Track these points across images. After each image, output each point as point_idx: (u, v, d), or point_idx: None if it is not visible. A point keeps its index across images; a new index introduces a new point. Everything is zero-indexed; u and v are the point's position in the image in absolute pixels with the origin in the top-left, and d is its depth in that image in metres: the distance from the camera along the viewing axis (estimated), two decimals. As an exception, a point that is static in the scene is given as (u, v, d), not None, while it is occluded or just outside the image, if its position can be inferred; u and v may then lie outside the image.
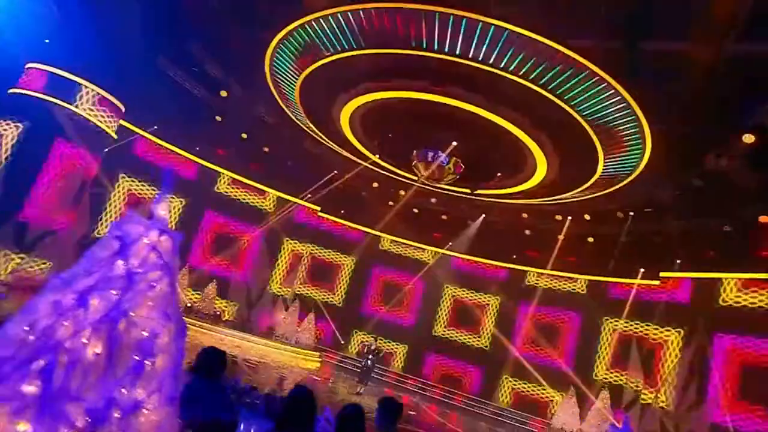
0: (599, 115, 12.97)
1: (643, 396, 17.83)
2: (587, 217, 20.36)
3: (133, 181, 21.35)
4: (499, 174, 17.30)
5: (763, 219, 13.83)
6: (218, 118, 21.05)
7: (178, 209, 22.32)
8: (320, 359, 21.80)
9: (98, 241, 2.66)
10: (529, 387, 22.41)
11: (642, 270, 20.40)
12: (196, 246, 22.90)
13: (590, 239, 22.25)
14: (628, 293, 20.64)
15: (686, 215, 16.45)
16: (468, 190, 18.49)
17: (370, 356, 14.69)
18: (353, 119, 17.61)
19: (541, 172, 16.36)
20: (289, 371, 18.10)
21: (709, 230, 16.33)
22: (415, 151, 16.91)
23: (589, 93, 12.43)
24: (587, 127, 13.47)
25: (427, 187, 20.36)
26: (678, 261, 18.64)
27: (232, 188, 23.99)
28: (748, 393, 15.21)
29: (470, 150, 16.65)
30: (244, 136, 22.02)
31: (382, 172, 21.55)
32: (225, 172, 23.64)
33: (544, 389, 21.76)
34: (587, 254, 22.50)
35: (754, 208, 14.30)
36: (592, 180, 15.98)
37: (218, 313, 22.18)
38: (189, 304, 21.36)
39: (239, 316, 22.88)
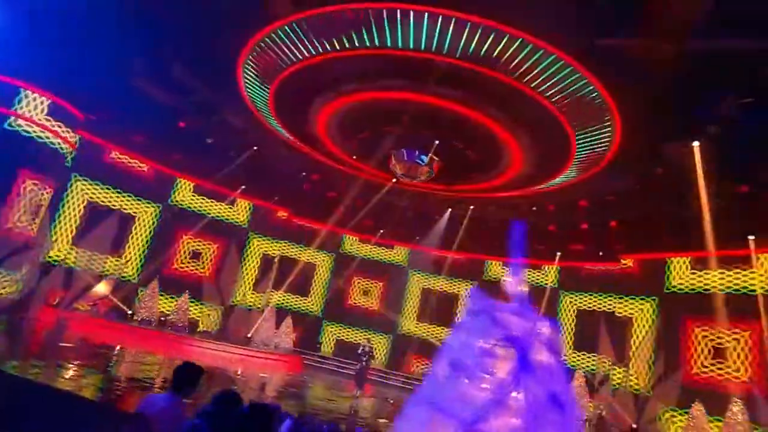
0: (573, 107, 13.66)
1: (615, 372, 19.19)
2: (551, 207, 21.49)
3: (91, 184, 20.32)
4: (474, 173, 17.94)
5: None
6: (181, 124, 20.52)
7: (154, 217, 21.54)
8: (301, 363, 21.79)
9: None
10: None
11: (601, 253, 21.97)
12: (169, 255, 22.14)
13: (551, 228, 23.60)
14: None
15: (646, 201, 17.78)
16: (444, 187, 18.98)
17: (365, 358, 14.88)
18: (328, 122, 17.65)
19: (516, 166, 17.09)
20: (269, 377, 17.99)
21: (667, 214, 17.76)
22: (393, 151, 17.18)
23: (563, 83, 12.97)
24: (561, 118, 14.10)
25: (400, 185, 20.80)
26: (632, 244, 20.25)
27: (197, 196, 23.33)
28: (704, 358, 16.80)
29: (446, 147, 17.05)
30: (209, 140, 21.52)
31: (355, 173, 21.66)
32: (188, 179, 22.92)
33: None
34: (552, 242, 23.81)
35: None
36: (564, 171, 16.87)
37: (193, 323, 21.58)
38: (162, 318, 20.64)
39: (215, 325, 22.31)
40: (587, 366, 20.25)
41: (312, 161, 21.71)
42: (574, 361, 20.79)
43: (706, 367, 16.83)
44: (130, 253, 21.37)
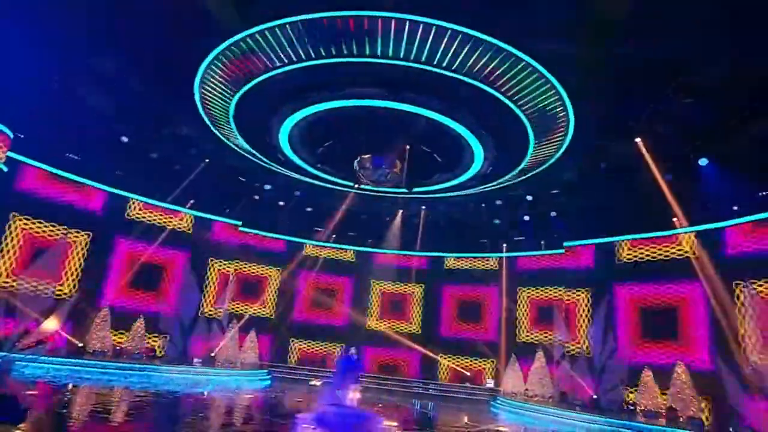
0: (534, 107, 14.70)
1: (568, 349, 20.98)
2: (498, 202, 22.86)
3: (27, 220, 18.48)
4: (437, 174, 18.71)
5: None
6: (124, 139, 19.32)
7: (84, 245, 19.88)
8: (269, 376, 21.46)
9: None
10: (462, 361, 24.59)
11: (543, 242, 23.87)
12: (110, 282, 20.62)
13: (497, 221, 25.15)
14: (536, 264, 23.88)
15: (588, 193, 19.59)
16: (406, 190, 19.52)
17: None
18: (290, 133, 17.53)
19: (477, 164, 17.98)
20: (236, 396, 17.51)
21: (606, 203, 19.71)
22: (358, 158, 17.43)
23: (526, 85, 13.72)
24: (523, 117, 15.07)
25: (360, 191, 21.12)
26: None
27: (144, 213, 22.00)
28: (650, 332, 18.95)
29: (410, 151, 17.54)
30: (154, 155, 20.43)
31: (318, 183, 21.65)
32: (135, 196, 21.60)
33: (478, 360, 24.18)
34: (496, 234, 25.38)
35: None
36: (521, 167, 18.05)
37: (151, 349, 20.43)
38: (118, 348, 19.35)
39: (175, 348, 21.24)
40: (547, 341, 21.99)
41: (270, 172, 21.38)
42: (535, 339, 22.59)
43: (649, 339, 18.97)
44: (67, 279, 19.61)
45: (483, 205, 23.30)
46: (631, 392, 18.27)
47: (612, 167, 17.52)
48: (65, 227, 19.43)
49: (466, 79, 13.55)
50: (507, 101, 14.31)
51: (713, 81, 12.67)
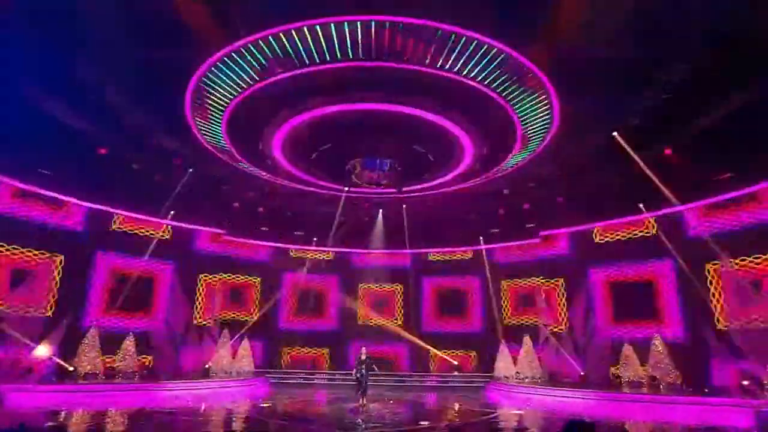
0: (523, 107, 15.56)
1: (551, 330, 22.42)
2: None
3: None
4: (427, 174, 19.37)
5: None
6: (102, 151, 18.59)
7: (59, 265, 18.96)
8: (267, 382, 21.41)
9: None
10: (449, 351, 25.54)
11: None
12: (94, 302, 19.81)
13: (473, 216, 26.22)
14: (512, 256, 25.17)
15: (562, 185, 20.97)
16: (395, 189, 20.04)
17: (363, 367, 15.30)
18: (284, 140, 17.60)
19: (466, 161, 18.70)
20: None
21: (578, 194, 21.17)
22: (353, 161, 17.76)
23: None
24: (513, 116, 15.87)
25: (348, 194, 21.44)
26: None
27: (127, 226, 21.25)
28: (624, 311, 20.64)
29: (401, 151, 18.03)
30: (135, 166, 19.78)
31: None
32: (117, 211, 20.85)
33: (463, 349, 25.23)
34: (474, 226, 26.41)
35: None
36: (507, 163, 19.00)
37: (144, 368, 19.83)
38: (111, 367, 18.68)
39: (167, 364, 20.69)
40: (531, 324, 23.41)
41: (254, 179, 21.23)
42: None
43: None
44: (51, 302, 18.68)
45: (462, 199, 24.24)
46: (615, 366, 19.86)
47: (586, 159, 18.89)
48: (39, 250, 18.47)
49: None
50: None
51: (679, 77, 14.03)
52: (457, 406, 16.53)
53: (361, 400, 15.27)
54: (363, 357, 15.62)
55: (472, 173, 20.16)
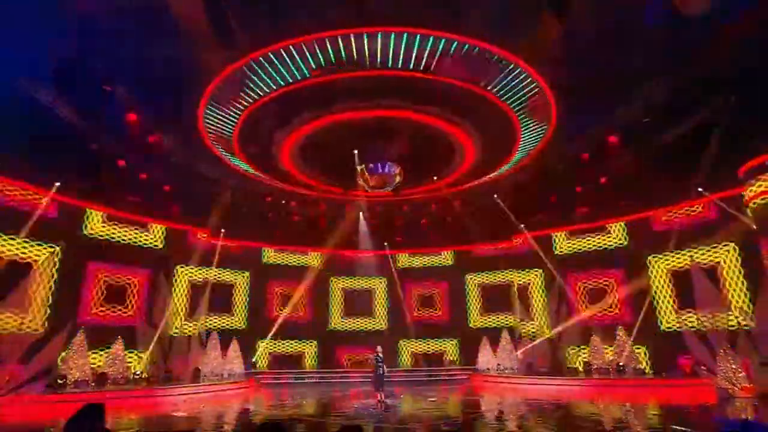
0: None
1: (526, 325, 24.41)
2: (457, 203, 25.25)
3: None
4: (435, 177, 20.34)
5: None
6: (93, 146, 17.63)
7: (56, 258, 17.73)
8: (259, 383, 21.29)
9: None
10: (425, 346, 26.77)
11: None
12: (85, 300, 18.69)
13: (448, 219, 27.61)
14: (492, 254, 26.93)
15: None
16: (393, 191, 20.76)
17: (380, 363, 15.78)
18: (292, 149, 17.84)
19: (467, 162, 19.63)
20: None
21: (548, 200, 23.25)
22: (361, 166, 18.31)
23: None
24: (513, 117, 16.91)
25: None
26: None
27: (110, 225, 20.10)
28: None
29: (406, 153, 18.74)
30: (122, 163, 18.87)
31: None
32: (98, 208, 19.66)
33: (438, 343, 26.58)
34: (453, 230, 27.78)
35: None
36: (504, 166, 20.40)
37: (137, 373, 18.96)
38: (103, 371, 17.72)
39: (157, 368, 19.85)
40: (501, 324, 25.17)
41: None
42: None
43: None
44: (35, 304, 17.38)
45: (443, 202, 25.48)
46: (585, 355, 22.10)
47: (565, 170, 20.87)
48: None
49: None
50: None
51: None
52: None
53: (380, 396, 15.79)
54: (381, 355, 16.14)
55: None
